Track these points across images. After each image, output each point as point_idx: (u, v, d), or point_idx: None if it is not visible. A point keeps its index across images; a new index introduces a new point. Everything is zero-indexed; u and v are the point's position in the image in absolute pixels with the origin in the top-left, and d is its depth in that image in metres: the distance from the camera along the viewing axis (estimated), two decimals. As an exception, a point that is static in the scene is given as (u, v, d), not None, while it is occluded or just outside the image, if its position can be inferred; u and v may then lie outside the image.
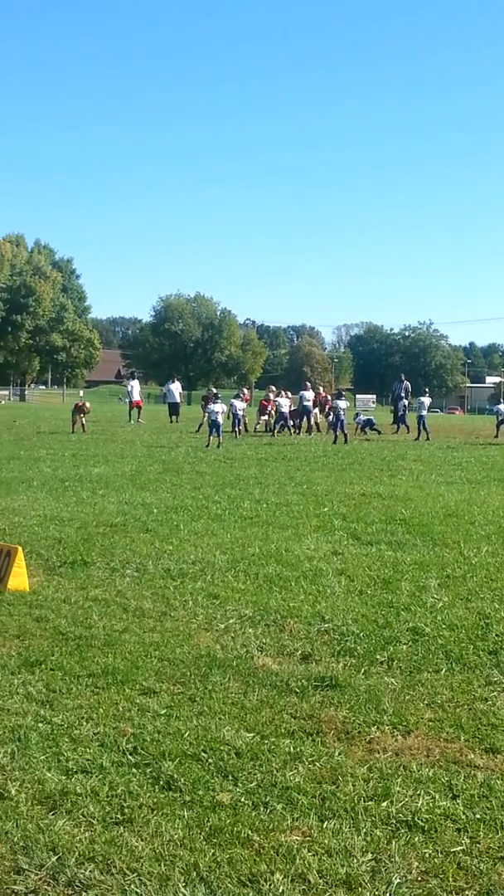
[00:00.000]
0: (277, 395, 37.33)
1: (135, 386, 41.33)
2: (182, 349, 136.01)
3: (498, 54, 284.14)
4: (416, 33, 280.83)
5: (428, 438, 34.42)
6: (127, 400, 44.21)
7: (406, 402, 40.67)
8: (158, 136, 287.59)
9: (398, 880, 3.90)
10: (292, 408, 37.18)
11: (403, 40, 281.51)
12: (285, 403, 36.33)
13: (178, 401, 43.19)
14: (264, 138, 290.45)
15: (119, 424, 39.40)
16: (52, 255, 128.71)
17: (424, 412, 35.96)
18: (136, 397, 41.37)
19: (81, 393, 37.86)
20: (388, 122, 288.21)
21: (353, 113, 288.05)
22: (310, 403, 37.10)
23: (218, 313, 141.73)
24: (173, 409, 42.40)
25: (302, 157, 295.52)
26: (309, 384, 40.89)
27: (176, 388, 43.39)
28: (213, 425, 28.77)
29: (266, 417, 38.79)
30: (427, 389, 41.50)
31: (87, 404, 36.32)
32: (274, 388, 38.95)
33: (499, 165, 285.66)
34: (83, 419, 33.46)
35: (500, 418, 38.40)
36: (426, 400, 36.93)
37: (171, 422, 40.83)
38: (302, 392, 37.74)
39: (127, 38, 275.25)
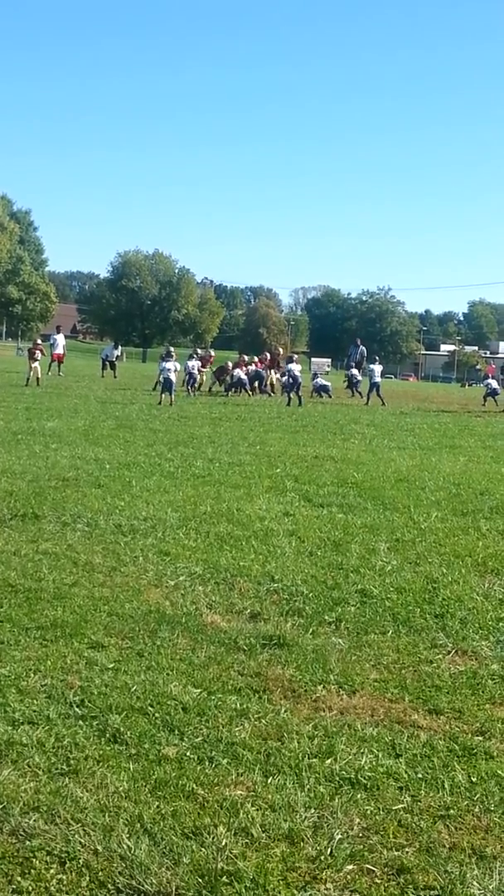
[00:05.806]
0: (236, 367, 37.43)
1: (58, 339, 42.20)
2: (139, 306, 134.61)
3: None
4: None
5: (383, 404, 34.58)
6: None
7: (354, 370, 41.30)
8: (121, 88, 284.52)
9: (340, 836, 3.95)
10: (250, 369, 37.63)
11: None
12: (243, 373, 36.50)
13: (112, 359, 45.13)
14: (228, 95, 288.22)
15: (73, 379, 39.12)
16: (10, 205, 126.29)
17: (377, 379, 36.05)
18: (59, 350, 42.70)
19: (39, 340, 37.92)
20: (349, 83, 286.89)
21: (311, 71, 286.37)
22: (258, 368, 38.57)
23: (176, 271, 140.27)
24: (106, 364, 44.60)
25: (269, 115, 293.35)
26: (268, 355, 42.56)
27: (115, 351, 46.62)
28: (166, 383, 28.64)
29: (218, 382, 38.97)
30: (377, 358, 41.70)
31: (40, 342, 38.11)
32: (245, 359, 39.24)
33: (459, 134, 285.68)
34: (38, 369, 33.42)
35: (488, 390, 39.19)
36: (377, 367, 36.98)
37: (102, 376, 42.89)
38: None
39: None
